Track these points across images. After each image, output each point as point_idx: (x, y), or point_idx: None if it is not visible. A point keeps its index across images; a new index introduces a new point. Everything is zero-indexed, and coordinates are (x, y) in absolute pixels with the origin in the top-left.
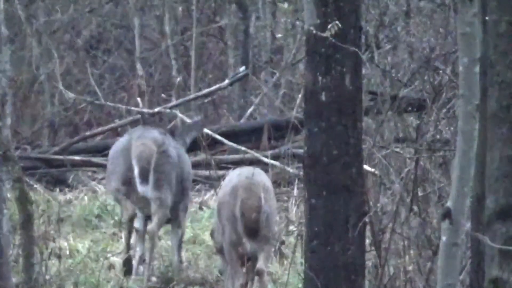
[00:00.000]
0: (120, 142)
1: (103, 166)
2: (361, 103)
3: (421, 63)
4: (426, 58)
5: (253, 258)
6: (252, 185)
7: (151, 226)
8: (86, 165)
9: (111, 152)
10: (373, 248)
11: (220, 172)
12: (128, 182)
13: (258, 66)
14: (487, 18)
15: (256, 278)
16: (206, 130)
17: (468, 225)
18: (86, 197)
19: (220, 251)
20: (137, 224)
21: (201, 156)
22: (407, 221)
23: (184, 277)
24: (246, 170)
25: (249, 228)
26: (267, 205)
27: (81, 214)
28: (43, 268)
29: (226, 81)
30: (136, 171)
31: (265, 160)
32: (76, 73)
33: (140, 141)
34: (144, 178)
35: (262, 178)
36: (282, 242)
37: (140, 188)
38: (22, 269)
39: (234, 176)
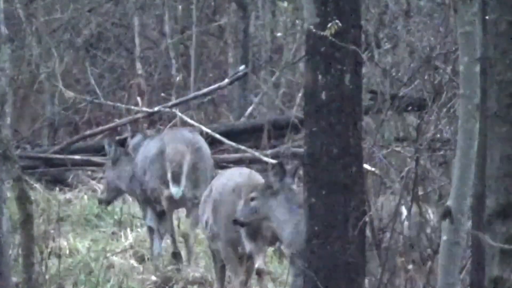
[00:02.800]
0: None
1: (102, 165)
2: (361, 102)
3: (421, 62)
4: (426, 57)
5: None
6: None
7: (187, 227)
8: (86, 165)
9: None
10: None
11: (220, 172)
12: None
13: (258, 65)
14: (487, 17)
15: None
16: (205, 129)
17: (468, 224)
18: (85, 196)
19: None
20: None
21: None
22: (407, 220)
23: (183, 276)
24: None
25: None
26: None
27: (81, 214)
28: (43, 268)
29: (226, 80)
30: (168, 174)
31: (265, 159)
32: (75, 72)
33: (173, 144)
34: (176, 180)
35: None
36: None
37: (173, 189)
38: (22, 269)
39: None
